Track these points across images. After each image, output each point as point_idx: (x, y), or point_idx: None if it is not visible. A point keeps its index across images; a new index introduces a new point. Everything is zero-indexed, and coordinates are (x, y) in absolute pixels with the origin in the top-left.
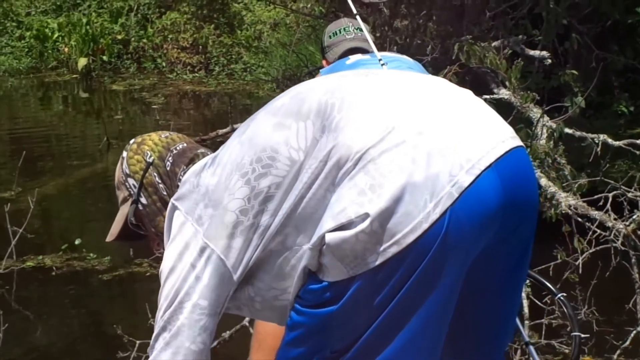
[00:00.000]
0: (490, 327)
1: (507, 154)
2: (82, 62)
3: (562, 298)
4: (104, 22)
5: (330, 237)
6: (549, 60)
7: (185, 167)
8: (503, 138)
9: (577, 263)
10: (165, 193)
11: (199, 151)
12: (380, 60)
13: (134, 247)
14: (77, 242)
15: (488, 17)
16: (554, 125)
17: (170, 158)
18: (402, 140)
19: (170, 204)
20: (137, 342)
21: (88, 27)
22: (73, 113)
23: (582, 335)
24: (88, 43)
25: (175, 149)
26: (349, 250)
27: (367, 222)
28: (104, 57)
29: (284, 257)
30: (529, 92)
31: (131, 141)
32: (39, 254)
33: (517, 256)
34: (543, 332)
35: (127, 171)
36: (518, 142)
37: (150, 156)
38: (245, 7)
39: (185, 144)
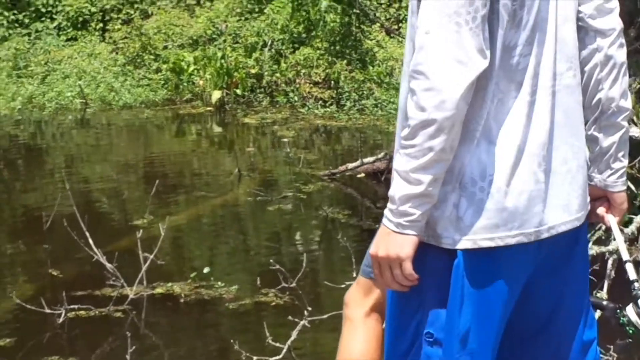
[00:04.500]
0: None
1: (572, 231)
2: (216, 95)
3: None
4: (238, 57)
5: None
6: None
7: None
8: (582, 214)
9: None
10: None
11: None
12: None
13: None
14: (205, 270)
15: None
16: None
17: None
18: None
19: None
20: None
21: (223, 61)
22: (206, 145)
23: None
24: (222, 77)
25: None
26: None
27: None
28: (238, 91)
29: None
30: None
31: None
32: (169, 281)
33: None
34: None
35: None
36: (584, 218)
37: None
38: (377, 43)
39: None
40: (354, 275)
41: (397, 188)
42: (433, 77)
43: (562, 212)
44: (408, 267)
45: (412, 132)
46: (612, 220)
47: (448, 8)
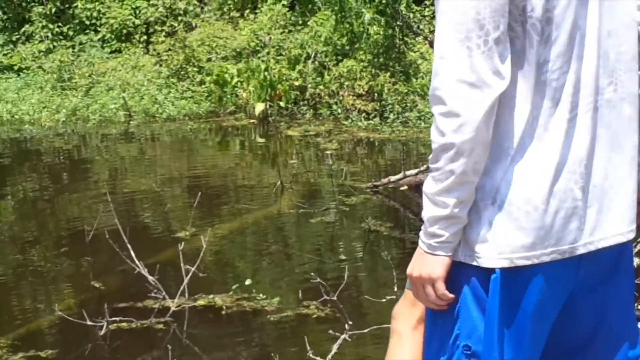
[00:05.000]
0: None
1: (615, 246)
2: (260, 107)
3: None
4: (281, 69)
5: None
6: None
7: None
8: (626, 229)
9: None
10: None
11: None
12: None
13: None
14: (247, 282)
15: None
16: None
17: None
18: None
19: None
20: None
21: (266, 73)
22: (249, 157)
23: None
24: (266, 89)
25: None
26: None
27: None
28: (281, 103)
29: None
30: None
31: None
32: (210, 293)
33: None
34: None
35: None
36: (632, 234)
37: None
38: (421, 55)
39: None
40: (396, 289)
41: (426, 210)
42: (449, 102)
43: (603, 229)
44: (440, 287)
45: (435, 156)
46: None
47: (459, 33)
